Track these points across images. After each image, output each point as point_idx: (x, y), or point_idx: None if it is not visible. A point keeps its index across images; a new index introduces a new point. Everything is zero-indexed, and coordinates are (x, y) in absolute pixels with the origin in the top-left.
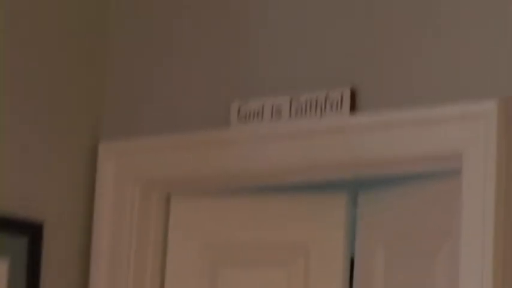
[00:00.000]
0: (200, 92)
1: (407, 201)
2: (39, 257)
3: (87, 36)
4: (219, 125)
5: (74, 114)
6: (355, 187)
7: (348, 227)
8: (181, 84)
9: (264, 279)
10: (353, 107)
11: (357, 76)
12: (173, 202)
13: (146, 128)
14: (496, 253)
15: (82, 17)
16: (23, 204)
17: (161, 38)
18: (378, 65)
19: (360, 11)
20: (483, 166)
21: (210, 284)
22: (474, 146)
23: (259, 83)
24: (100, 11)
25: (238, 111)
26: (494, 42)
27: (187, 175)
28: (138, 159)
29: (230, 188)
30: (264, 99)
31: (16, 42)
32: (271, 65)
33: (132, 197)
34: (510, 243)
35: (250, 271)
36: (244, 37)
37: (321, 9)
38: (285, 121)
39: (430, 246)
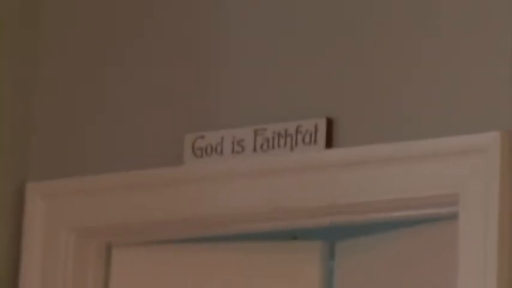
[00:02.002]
0: (147, 123)
1: (394, 252)
2: None
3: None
4: (169, 162)
5: None
6: (332, 235)
7: (323, 283)
8: (124, 113)
9: None
10: (329, 141)
11: (333, 104)
12: (115, 253)
13: (82, 166)
14: None
15: (5, 46)
16: None
17: (99, 60)
18: (358, 91)
19: (339, 29)
20: (484, 209)
21: None
22: (473, 185)
23: (218, 112)
24: (26, 34)
25: (193, 145)
26: (491, 70)
27: (131, 222)
28: (72, 202)
29: (182, 236)
30: (223, 131)
31: None
32: (232, 91)
33: (65, 247)
34: None
35: None
36: (198, 58)
37: (291, 29)
38: (248, 157)
39: None
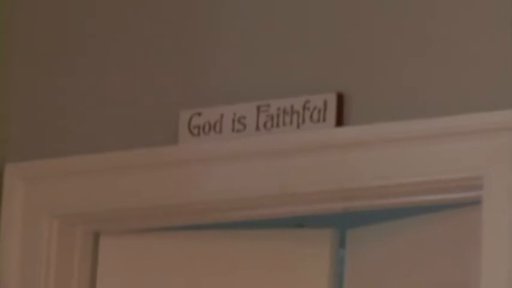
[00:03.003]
0: (137, 98)
1: (410, 241)
2: None
3: None
4: (162, 142)
5: None
6: (343, 222)
7: (333, 274)
8: (111, 87)
9: None
10: (340, 118)
11: (344, 78)
12: (102, 242)
13: (66, 146)
14: None
15: None
16: None
17: (81, 31)
18: (372, 63)
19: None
20: (510, 193)
21: None
22: (498, 167)
23: (216, 85)
24: None
25: (189, 122)
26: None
27: (120, 207)
28: (55, 185)
29: (177, 224)
30: (222, 107)
31: None
32: (232, 63)
33: (48, 235)
34: None
35: None
36: (195, 24)
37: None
38: (250, 136)
39: None
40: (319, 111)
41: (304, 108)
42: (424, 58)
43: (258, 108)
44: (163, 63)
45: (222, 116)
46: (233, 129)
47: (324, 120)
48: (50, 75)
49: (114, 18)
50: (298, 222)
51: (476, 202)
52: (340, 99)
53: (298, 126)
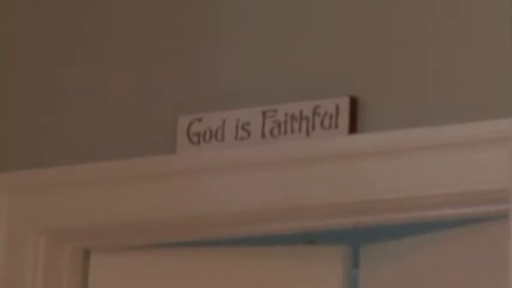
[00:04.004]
0: (132, 104)
1: (429, 259)
2: None
3: None
4: (159, 151)
5: None
6: (356, 238)
7: None
8: (103, 92)
9: None
10: (353, 124)
11: (358, 81)
12: (93, 259)
13: (55, 156)
14: None
15: None
16: None
17: (68, 35)
18: (387, 65)
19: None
20: None
21: None
22: None
23: (218, 89)
24: None
25: (188, 129)
26: None
27: (113, 222)
28: (43, 198)
29: (175, 240)
30: (225, 112)
31: None
32: (235, 64)
33: (35, 252)
34: None
35: None
36: (195, 23)
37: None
38: (255, 144)
39: None
40: (331, 117)
41: (314, 113)
42: (446, 60)
43: (264, 113)
44: (160, 63)
45: (224, 122)
46: (236, 137)
47: (336, 127)
48: (38, 81)
49: (109, 20)
50: (307, 239)
51: (502, 216)
52: (354, 103)
53: (307, 133)
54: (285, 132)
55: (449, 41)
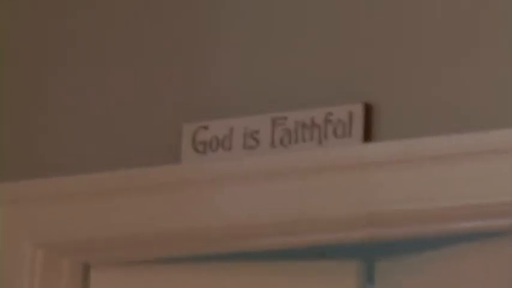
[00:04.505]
0: (134, 110)
1: (448, 274)
2: None
3: None
4: (163, 160)
5: None
6: (371, 253)
7: None
8: (103, 97)
9: None
10: (367, 133)
11: (372, 87)
12: (93, 274)
13: (53, 165)
14: None
15: None
16: None
17: (66, 38)
18: (404, 69)
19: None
20: None
21: None
22: None
23: (225, 95)
24: None
25: (193, 138)
26: None
27: (114, 236)
28: (40, 210)
29: (180, 254)
30: (232, 120)
31: None
32: (243, 69)
33: (31, 266)
34: None
35: None
36: (200, 25)
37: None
38: (264, 153)
39: None
40: (344, 124)
41: (326, 121)
42: (466, 65)
43: (273, 121)
44: (163, 66)
45: (231, 130)
46: (244, 146)
47: (350, 135)
48: (32, 87)
49: (110, 22)
50: (319, 253)
51: None
52: (368, 110)
53: (319, 142)
54: (296, 140)
55: (471, 46)
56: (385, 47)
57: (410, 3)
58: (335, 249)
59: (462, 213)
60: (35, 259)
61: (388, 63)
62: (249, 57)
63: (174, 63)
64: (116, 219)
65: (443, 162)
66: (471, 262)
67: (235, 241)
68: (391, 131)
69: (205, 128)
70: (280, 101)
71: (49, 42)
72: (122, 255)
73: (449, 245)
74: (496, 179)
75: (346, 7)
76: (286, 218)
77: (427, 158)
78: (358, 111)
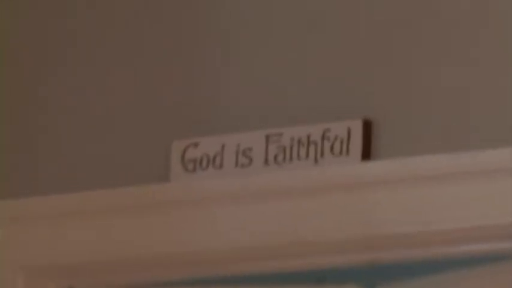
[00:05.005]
0: (120, 127)
1: None
2: None
3: None
4: (150, 179)
5: None
6: (370, 277)
7: None
8: (86, 113)
9: None
10: (366, 150)
11: (372, 101)
12: None
13: (35, 184)
14: None
15: None
16: None
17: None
18: (405, 84)
19: (382, 13)
20: None
21: None
22: None
23: (216, 111)
24: None
25: (183, 155)
26: None
27: (100, 259)
28: (21, 231)
29: (168, 279)
30: (223, 137)
31: None
32: (235, 83)
33: None
34: None
35: None
36: (191, 39)
37: (317, 10)
38: (257, 172)
39: None
40: (342, 141)
41: (323, 138)
42: (470, 81)
43: (267, 137)
44: (151, 81)
45: (223, 147)
46: (237, 164)
47: (348, 153)
48: (17, 102)
49: (94, 36)
50: (316, 278)
51: None
52: (368, 127)
53: (316, 160)
54: (291, 158)
55: (474, 62)
56: (386, 61)
57: (411, 18)
58: (333, 273)
59: (469, 235)
60: (16, 283)
61: (389, 77)
62: (241, 70)
63: (163, 75)
64: (101, 241)
65: (448, 182)
66: (473, 287)
67: (226, 265)
68: (392, 148)
69: (195, 145)
70: (275, 117)
71: (49, 42)
72: (108, 279)
73: (452, 269)
74: (504, 200)
75: (345, 19)
76: (282, 240)
77: (431, 177)
78: (357, 127)
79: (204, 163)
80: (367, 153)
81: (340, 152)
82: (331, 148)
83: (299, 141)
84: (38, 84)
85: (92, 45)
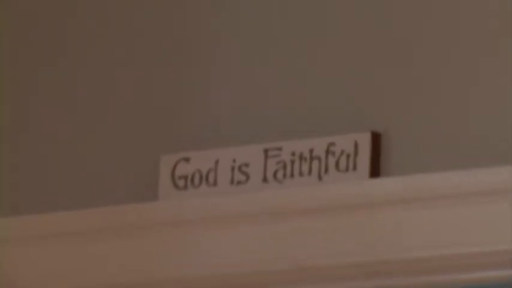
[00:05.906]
0: (104, 140)
1: None
2: None
3: None
4: (138, 197)
5: None
6: None
7: None
8: (70, 127)
9: None
10: (375, 166)
11: (381, 114)
12: None
13: (16, 203)
14: None
15: None
16: None
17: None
18: (416, 95)
19: (392, 10)
20: None
21: None
22: None
23: (210, 123)
24: None
25: (173, 172)
26: None
27: (81, 285)
28: (3, 252)
29: None
30: (218, 151)
31: None
32: (231, 93)
33: None
34: None
35: None
36: (184, 46)
37: (320, 16)
38: (255, 190)
39: None
40: (348, 156)
41: (327, 152)
42: (484, 92)
43: (266, 152)
44: (140, 91)
45: (217, 162)
46: (232, 181)
47: (355, 168)
48: (14, 119)
49: (83, 48)
50: None
51: None
52: (376, 140)
53: (319, 177)
54: (292, 175)
55: (484, 75)
56: (396, 70)
57: (420, 30)
58: None
59: (483, 261)
60: None
61: (398, 87)
62: (238, 81)
63: (152, 84)
64: (82, 265)
65: (463, 201)
66: None
67: None
68: (403, 163)
69: (187, 160)
70: (274, 129)
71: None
72: None
73: None
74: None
75: (351, 25)
76: (281, 266)
77: (445, 196)
78: (365, 141)
79: (196, 180)
80: (376, 170)
81: (346, 168)
82: (336, 164)
83: (301, 156)
84: (18, 106)
85: (81, 57)
